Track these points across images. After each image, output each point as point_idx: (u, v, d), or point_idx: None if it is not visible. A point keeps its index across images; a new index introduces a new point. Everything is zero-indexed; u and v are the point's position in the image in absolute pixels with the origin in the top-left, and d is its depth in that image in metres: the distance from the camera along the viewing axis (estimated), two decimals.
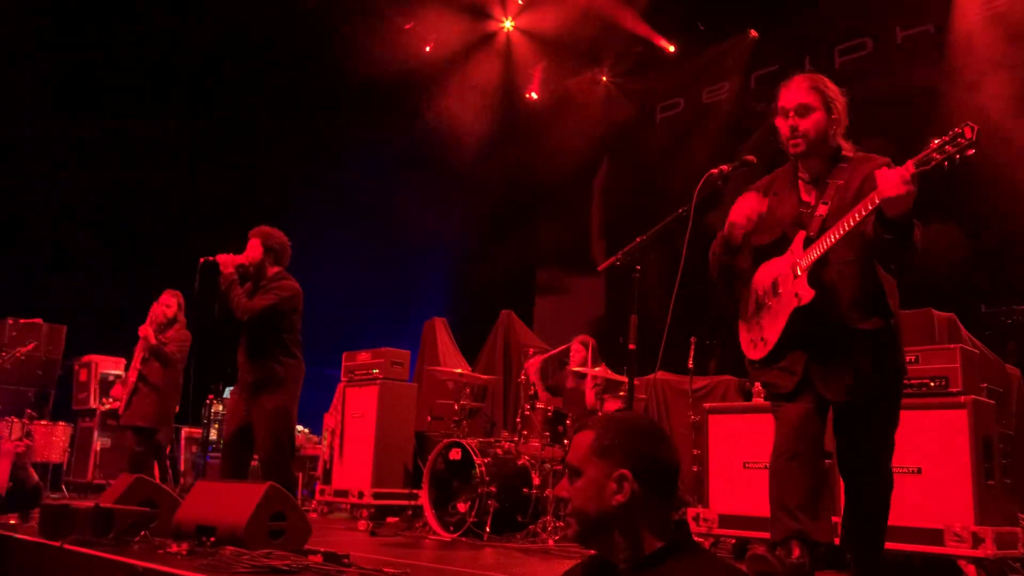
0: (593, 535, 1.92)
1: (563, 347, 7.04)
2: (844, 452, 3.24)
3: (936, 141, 2.71)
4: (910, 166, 2.73)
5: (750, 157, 3.50)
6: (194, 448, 9.45)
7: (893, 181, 2.73)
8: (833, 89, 3.21)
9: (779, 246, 3.21)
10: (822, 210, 3.13)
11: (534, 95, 11.66)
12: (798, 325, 3.09)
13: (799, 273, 3.09)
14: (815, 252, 3.06)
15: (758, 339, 3.23)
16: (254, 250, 5.43)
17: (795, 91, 3.20)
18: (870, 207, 2.86)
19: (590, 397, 6.59)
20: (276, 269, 5.49)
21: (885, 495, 3.22)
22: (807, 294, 3.05)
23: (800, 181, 3.27)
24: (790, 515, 2.95)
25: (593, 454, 1.91)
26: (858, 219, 2.92)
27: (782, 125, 3.22)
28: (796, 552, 2.89)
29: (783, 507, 2.98)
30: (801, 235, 3.13)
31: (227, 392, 8.90)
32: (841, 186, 3.13)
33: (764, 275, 3.27)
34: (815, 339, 3.08)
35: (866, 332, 3.06)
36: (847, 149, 3.21)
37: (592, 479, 1.90)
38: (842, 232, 2.97)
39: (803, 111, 3.16)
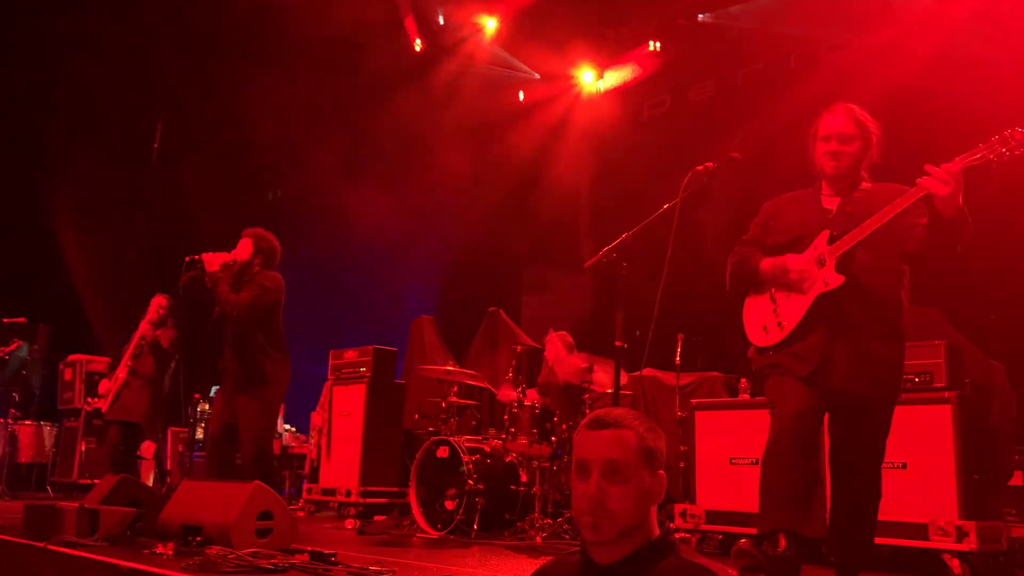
0: (627, 537, 1.87)
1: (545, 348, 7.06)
2: (837, 453, 3.27)
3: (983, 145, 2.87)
4: (957, 162, 2.88)
5: (735, 154, 3.55)
6: (180, 447, 9.39)
7: (942, 177, 2.86)
8: (871, 122, 3.34)
9: (796, 245, 3.34)
10: (846, 213, 3.27)
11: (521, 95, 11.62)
12: (821, 310, 3.18)
13: (825, 262, 3.21)
14: (846, 243, 3.18)
15: (773, 325, 3.30)
16: (244, 249, 5.40)
17: (839, 119, 3.31)
18: (913, 198, 3.00)
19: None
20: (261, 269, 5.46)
21: (873, 501, 3.24)
22: (836, 280, 3.17)
23: (822, 195, 3.40)
24: (778, 508, 2.96)
25: (641, 457, 1.87)
26: (899, 208, 3.05)
27: (822, 148, 3.33)
28: (782, 545, 2.90)
29: (772, 499, 2.99)
30: (825, 233, 3.26)
31: (214, 391, 8.86)
32: (863, 199, 3.27)
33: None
34: (835, 327, 3.16)
35: (885, 330, 3.17)
36: (866, 180, 3.35)
37: (641, 482, 1.86)
38: (879, 223, 3.09)
39: (845, 139, 3.29)
